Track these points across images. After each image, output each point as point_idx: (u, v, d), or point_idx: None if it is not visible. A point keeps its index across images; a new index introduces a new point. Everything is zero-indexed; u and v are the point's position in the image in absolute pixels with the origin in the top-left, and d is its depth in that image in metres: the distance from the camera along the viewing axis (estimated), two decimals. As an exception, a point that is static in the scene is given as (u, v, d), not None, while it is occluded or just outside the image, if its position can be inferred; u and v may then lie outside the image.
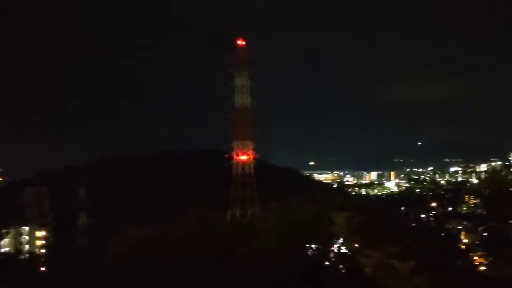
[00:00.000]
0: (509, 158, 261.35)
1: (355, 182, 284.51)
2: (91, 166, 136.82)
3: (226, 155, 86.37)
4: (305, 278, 19.63)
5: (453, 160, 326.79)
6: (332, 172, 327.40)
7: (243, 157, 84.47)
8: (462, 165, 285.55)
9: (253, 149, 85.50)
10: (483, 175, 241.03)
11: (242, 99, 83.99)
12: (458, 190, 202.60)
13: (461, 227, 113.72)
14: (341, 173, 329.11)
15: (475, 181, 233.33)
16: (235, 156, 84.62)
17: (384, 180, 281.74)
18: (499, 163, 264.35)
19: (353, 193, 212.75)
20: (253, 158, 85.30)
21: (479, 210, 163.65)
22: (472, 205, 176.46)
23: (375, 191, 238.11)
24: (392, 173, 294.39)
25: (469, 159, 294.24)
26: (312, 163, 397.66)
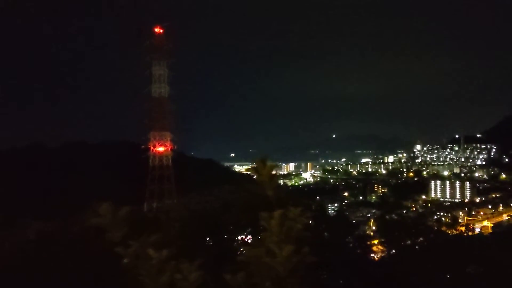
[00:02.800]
0: (414, 150, 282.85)
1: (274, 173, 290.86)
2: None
3: (143, 147, 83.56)
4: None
5: (364, 152, 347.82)
6: (252, 163, 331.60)
7: (161, 149, 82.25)
8: (372, 157, 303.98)
9: (171, 140, 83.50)
10: (390, 166, 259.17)
11: (160, 89, 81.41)
12: (368, 180, 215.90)
13: (370, 214, 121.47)
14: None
15: (384, 171, 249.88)
16: (152, 148, 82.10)
17: (301, 171, 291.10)
18: (405, 154, 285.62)
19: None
20: (171, 150, 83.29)
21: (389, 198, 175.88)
22: (381, 194, 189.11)
23: (293, 181, 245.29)
24: (309, 164, 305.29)
25: (378, 151, 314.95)
26: (233, 154, 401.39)
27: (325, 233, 23.50)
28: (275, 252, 1.82)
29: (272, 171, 2.21)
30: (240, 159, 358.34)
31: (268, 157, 2.28)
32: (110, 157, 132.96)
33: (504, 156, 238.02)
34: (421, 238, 21.79)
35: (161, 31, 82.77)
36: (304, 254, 1.97)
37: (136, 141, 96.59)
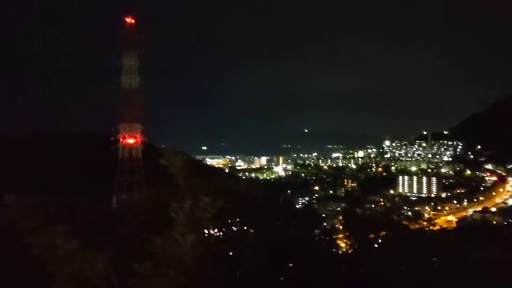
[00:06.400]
0: (383, 145, 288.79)
1: (246, 166, 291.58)
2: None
3: (112, 138, 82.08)
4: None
5: (335, 146, 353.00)
6: (224, 157, 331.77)
7: (130, 140, 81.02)
8: (342, 152, 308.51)
9: (141, 132, 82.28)
10: (360, 161, 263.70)
11: (130, 80, 79.94)
12: (338, 174, 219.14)
13: (339, 208, 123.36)
14: (233, 158, 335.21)
15: (354, 166, 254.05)
16: (121, 139, 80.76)
17: (273, 165, 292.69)
18: (374, 150, 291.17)
19: (244, 177, 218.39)
20: (141, 142, 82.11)
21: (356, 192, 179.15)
22: (350, 188, 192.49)
23: (264, 175, 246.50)
24: (281, 158, 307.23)
25: (349, 146, 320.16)
26: (205, 147, 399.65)
27: (292, 226, 23.84)
28: (180, 242, 1.87)
29: (183, 162, 2.25)
30: (212, 153, 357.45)
31: (178, 147, 2.34)
32: (79, 149, 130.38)
33: (469, 153, 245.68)
34: (384, 232, 22.49)
35: (132, 21, 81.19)
36: (212, 243, 2.03)
37: (105, 133, 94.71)
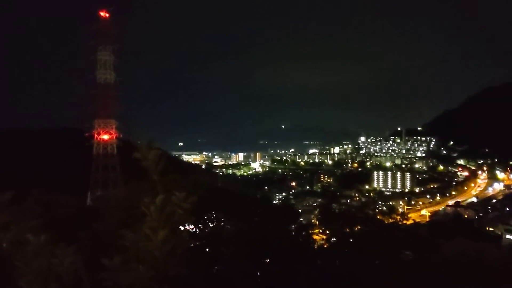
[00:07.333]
0: (358, 141, 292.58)
1: (223, 163, 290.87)
2: None
3: (87, 134, 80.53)
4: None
5: (312, 142, 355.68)
6: (201, 153, 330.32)
7: (105, 136, 79.66)
8: (319, 148, 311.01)
9: (116, 128, 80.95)
10: (336, 157, 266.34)
11: (105, 75, 78.48)
12: (315, 170, 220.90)
13: (316, 204, 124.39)
14: (210, 154, 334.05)
15: (330, 162, 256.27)
16: (96, 135, 79.33)
17: (250, 161, 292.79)
18: (350, 146, 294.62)
19: (221, 173, 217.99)
20: (116, 138, 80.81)
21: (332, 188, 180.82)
22: (326, 184, 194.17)
23: (242, 171, 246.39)
24: (258, 154, 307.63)
25: (326, 142, 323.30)
26: (181, 143, 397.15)
27: (269, 222, 23.97)
28: (150, 237, 1.86)
29: (157, 156, 2.24)
30: (188, 149, 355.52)
31: (153, 142, 2.31)
32: (53, 145, 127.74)
33: (442, 148, 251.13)
34: (359, 226, 22.84)
35: (107, 15, 79.63)
36: (183, 238, 2.02)
37: (80, 129, 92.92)
